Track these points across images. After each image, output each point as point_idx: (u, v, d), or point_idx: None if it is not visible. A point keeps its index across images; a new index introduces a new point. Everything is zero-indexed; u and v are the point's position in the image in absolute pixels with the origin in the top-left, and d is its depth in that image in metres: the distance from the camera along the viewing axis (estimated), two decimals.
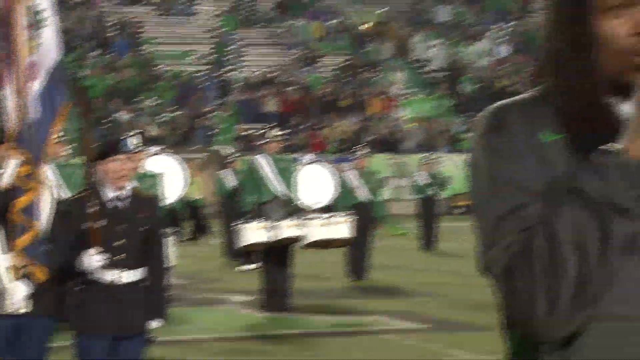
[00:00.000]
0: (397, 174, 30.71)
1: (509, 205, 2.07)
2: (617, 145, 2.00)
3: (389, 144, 31.90)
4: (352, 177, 15.84)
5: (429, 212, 20.30)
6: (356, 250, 15.15)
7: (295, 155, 23.86)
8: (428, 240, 20.14)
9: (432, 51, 36.66)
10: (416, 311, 12.38)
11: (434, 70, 36.44)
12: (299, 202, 12.71)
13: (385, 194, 27.08)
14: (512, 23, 38.19)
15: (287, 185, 12.51)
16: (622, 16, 2.09)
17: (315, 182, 13.26)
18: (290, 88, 33.48)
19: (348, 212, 13.75)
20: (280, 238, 12.26)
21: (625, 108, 2.11)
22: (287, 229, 12.30)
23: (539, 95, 2.19)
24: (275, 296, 12.43)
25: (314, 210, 13.01)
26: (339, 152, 29.71)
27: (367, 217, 15.53)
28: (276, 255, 12.45)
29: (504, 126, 2.13)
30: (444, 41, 36.95)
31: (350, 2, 39.67)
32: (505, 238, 2.05)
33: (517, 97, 2.20)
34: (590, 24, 2.11)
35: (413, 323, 11.61)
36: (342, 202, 14.75)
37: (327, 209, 13.64)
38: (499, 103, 2.19)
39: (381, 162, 28.63)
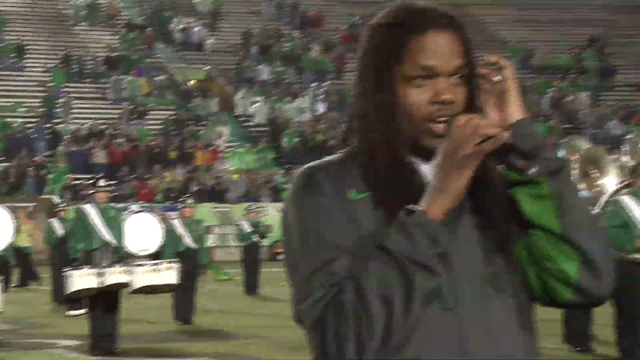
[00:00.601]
0: (222, 222, 30.64)
1: (319, 261, 2.09)
2: (419, 206, 2.06)
3: (214, 194, 31.84)
4: (178, 225, 15.72)
5: (252, 258, 20.32)
6: (182, 295, 15.01)
7: (124, 204, 23.56)
8: (251, 285, 20.11)
9: (255, 107, 36.86)
10: (240, 353, 12.31)
11: (256, 125, 36.64)
12: (126, 249, 12.59)
13: (211, 241, 27.04)
14: (327, 82, 38.81)
15: (115, 233, 12.37)
16: (423, 86, 2.14)
17: (142, 230, 13.16)
18: (119, 140, 33.11)
19: (174, 258, 13.67)
20: (108, 284, 12.07)
21: (427, 170, 2.16)
22: (115, 275, 12.13)
23: (348, 155, 2.22)
24: (102, 340, 12.20)
25: (142, 257, 12.87)
26: (166, 201, 29.48)
27: (193, 263, 15.43)
28: (104, 300, 12.24)
29: (314, 186, 2.15)
30: (266, 98, 37.22)
31: (176, 59, 39.61)
32: (317, 292, 2.06)
33: (327, 158, 2.23)
34: (393, 92, 2.15)
35: None
36: (168, 249, 14.75)
37: (154, 256, 13.55)
38: (310, 164, 2.21)
39: (207, 211, 28.59)
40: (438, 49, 2.14)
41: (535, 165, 2.08)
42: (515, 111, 2.21)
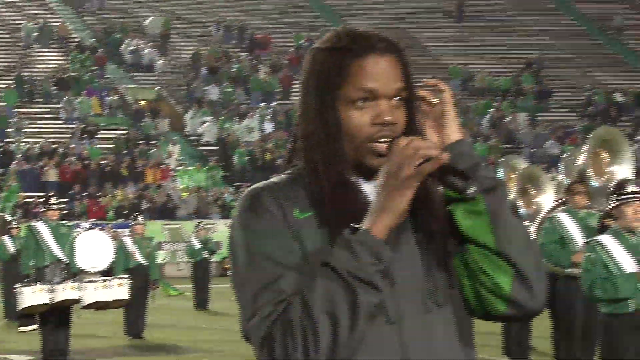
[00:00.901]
0: (172, 239, 30.46)
1: (265, 279, 2.09)
2: (362, 224, 2.08)
3: (165, 211, 31.67)
4: (129, 242, 15.61)
5: (202, 274, 20.22)
6: (133, 310, 14.88)
7: (75, 222, 23.33)
8: (201, 300, 20.00)
9: (204, 127, 36.76)
10: None
11: (206, 144, 36.52)
12: (77, 266, 12.50)
13: (161, 257, 26.84)
14: (275, 103, 38.82)
15: (66, 250, 12.28)
16: (364, 108, 2.16)
17: (93, 247, 13.07)
18: (70, 159, 32.84)
19: (125, 275, 13.57)
20: (59, 300, 11.95)
21: (369, 189, 2.18)
22: (66, 291, 12.02)
23: (292, 175, 2.23)
24: (54, 355, 12.07)
25: (93, 274, 12.76)
26: (117, 219, 29.27)
27: (144, 279, 15.31)
28: (56, 316, 12.11)
29: (259, 206, 2.16)
30: (215, 118, 37.14)
31: (127, 80, 39.40)
32: (264, 309, 2.07)
33: (272, 179, 2.24)
34: (336, 114, 2.17)
35: None
36: (119, 266, 14.67)
37: (105, 273, 13.46)
38: (255, 185, 2.22)
39: (157, 228, 28.41)
40: (379, 73, 2.17)
41: (473, 186, 2.10)
42: (453, 132, 2.25)
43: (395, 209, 2.07)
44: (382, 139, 2.15)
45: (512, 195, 11.82)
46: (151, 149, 34.82)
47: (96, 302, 12.44)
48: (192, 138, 37.05)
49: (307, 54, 2.25)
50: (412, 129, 2.19)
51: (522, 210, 11.70)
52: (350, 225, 2.07)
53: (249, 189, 2.21)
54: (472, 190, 2.10)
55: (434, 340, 2.15)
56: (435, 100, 2.27)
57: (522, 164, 13.79)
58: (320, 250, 2.11)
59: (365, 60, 2.16)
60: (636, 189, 6.88)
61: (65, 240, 12.31)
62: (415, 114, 2.22)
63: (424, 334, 2.14)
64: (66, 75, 37.56)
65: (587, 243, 7.19)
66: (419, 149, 2.06)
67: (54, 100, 36.81)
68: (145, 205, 31.17)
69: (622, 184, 7.04)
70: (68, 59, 39.03)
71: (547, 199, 11.56)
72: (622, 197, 6.86)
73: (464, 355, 2.21)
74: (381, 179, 2.09)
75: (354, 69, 2.16)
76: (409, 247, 2.17)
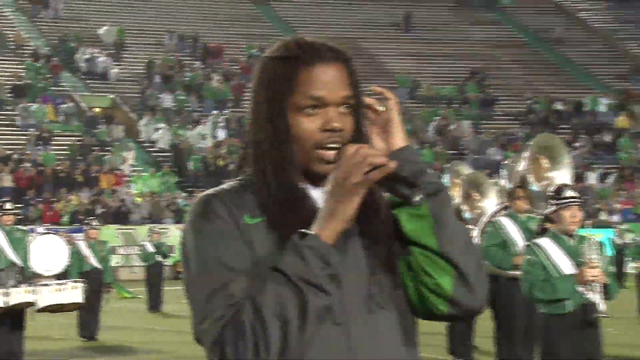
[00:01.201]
0: (126, 243, 30.28)
1: (217, 283, 2.08)
2: (311, 230, 2.08)
3: (119, 216, 31.45)
4: (84, 246, 15.50)
5: (155, 277, 20.14)
6: (87, 312, 14.79)
7: (30, 227, 23.08)
8: (154, 302, 19.89)
9: (158, 133, 36.57)
10: None
11: (160, 150, 36.34)
12: (32, 269, 12.37)
13: (115, 261, 26.62)
14: (227, 110, 38.74)
15: (20, 254, 12.15)
16: (313, 115, 2.16)
17: (48, 251, 12.94)
18: (25, 165, 32.51)
19: (80, 278, 13.49)
20: (14, 303, 11.82)
21: (317, 195, 2.19)
22: (21, 294, 11.89)
23: (243, 182, 2.23)
24: (8, 358, 11.92)
25: (47, 277, 12.64)
26: (72, 224, 29.02)
27: (98, 282, 15.22)
28: (10, 319, 11.98)
29: (210, 212, 2.15)
30: (169, 125, 36.97)
31: (82, 88, 39.10)
32: (216, 312, 2.06)
33: (223, 185, 2.23)
34: (285, 121, 2.17)
35: None
36: (74, 269, 14.62)
37: (60, 276, 13.35)
38: (206, 192, 2.21)
39: (111, 233, 28.26)
40: (326, 81, 2.17)
41: (418, 194, 2.11)
42: (399, 139, 2.27)
43: (343, 215, 2.08)
44: (331, 145, 2.16)
45: (457, 200, 11.90)
46: (105, 155, 34.59)
47: (51, 305, 12.32)
48: (146, 144, 36.84)
49: (257, 63, 2.26)
50: (359, 135, 2.20)
51: (467, 214, 11.78)
52: (299, 230, 2.08)
53: (201, 195, 2.20)
54: (417, 198, 2.11)
55: (379, 341, 2.16)
56: (382, 108, 2.28)
57: (466, 170, 13.88)
58: (270, 255, 2.11)
59: (313, 69, 2.17)
60: (573, 194, 6.96)
61: (20, 245, 12.17)
62: (362, 121, 2.23)
63: (370, 335, 2.15)
64: (21, 82, 37.20)
65: (527, 246, 7.25)
66: (367, 156, 2.07)
67: (9, 108, 36.44)
68: (99, 210, 30.95)
69: (560, 189, 7.11)
70: (23, 67, 38.65)
71: (490, 203, 11.65)
72: (560, 201, 6.93)
73: (409, 355, 2.22)
74: (329, 185, 2.10)
75: (302, 78, 2.16)
76: (355, 250, 2.18)
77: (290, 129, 2.16)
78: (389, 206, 2.21)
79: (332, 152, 2.15)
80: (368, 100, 2.27)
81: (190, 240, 2.16)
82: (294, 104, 2.16)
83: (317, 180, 2.20)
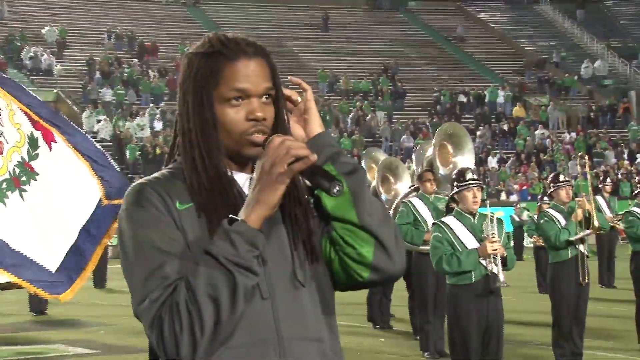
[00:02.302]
0: None
1: (153, 266, 2.06)
2: (239, 216, 2.07)
3: None
4: None
5: (101, 256, 19.85)
6: None
7: None
8: (100, 279, 19.70)
9: (100, 125, 36.08)
10: (90, 339, 12.04)
11: (101, 140, 35.85)
12: None
13: None
14: (163, 103, 38.37)
15: None
16: (238, 106, 2.15)
17: None
18: None
19: None
20: None
21: (242, 179, 2.19)
22: None
23: (173, 170, 2.20)
24: None
25: None
26: None
27: None
28: None
29: (143, 200, 2.12)
30: (109, 117, 36.50)
31: (28, 83, 38.37)
32: (153, 293, 2.04)
33: (156, 174, 2.20)
34: (212, 112, 2.15)
35: (86, 349, 11.25)
36: None
37: None
38: (139, 181, 2.18)
39: None
40: (249, 74, 2.16)
41: (336, 186, 2.10)
42: (316, 126, 2.28)
43: (268, 202, 2.07)
44: (257, 133, 2.16)
45: (373, 183, 11.98)
46: None
47: (1, 283, 12.12)
48: (88, 135, 36.21)
49: (183, 59, 2.23)
50: (279, 124, 2.20)
51: (383, 196, 11.86)
52: (230, 216, 2.07)
53: (134, 184, 2.18)
54: (336, 190, 2.10)
55: (301, 312, 2.17)
56: (299, 99, 2.30)
57: (381, 155, 13.97)
58: (200, 238, 2.10)
59: (236, 63, 2.15)
60: (474, 177, 7.05)
61: None
62: (282, 111, 2.22)
63: (294, 307, 2.16)
64: None
65: (434, 224, 7.33)
66: (291, 148, 2.06)
67: None
68: None
69: (462, 172, 7.16)
70: None
71: (403, 186, 11.74)
72: (462, 184, 7.02)
73: (328, 326, 2.23)
74: (256, 174, 2.09)
75: (227, 72, 2.15)
76: (278, 234, 2.18)
77: (216, 119, 2.14)
78: (309, 190, 2.22)
79: (260, 136, 2.15)
80: (287, 91, 2.27)
81: (126, 227, 2.13)
82: (219, 96, 2.15)
83: (245, 165, 2.20)
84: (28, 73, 39.06)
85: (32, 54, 39.44)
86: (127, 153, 34.44)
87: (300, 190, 2.21)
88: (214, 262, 2.02)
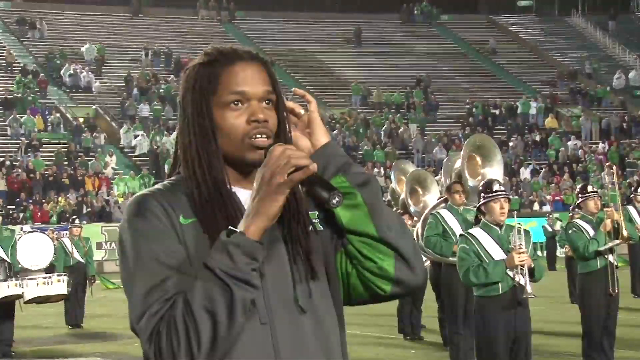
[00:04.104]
0: (110, 239, 30.05)
1: (154, 279, 1.99)
2: (238, 228, 1.98)
3: (103, 215, 31.19)
4: (68, 243, 15.34)
5: None
6: (73, 302, 14.65)
7: (21, 226, 22.82)
8: None
9: (137, 140, 36.32)
10: (124, 352, 12.02)
11: (139, 155, 36.10)
12: (20, 265, 12.28)
13: (101, 255, 26.44)
14: None
15: (9, 251, 12.02)
16: (238, 110, 2.08)
17: (34, 247, 12.84)
18: (17, 170, 32.19)
19: (65, 272, 13.39)
20: (4, 296, 11.71)
21: (245, 195, 2.08)
22: (10, 288, 11.78)
23: (175, 182, 2.12)
24: (0, 345, 11.77)
25: (35, 272, 12.53)
26: (60, 222, 28.74)
27: (82, 274, 15.12)
28: (1, 310, 11.84)
29: (146, 212, 2.04)
30: (146, 132, 36.74)
31: (67, 100, 38.77)
32: (152, 307, 1.96)
33: (158, 186, 2.12)
34: (212, 118, 2.08)
35: None
36: (60, 264, 14.52)
37: (48, 270, 13.22)
38: (141, 192, 2.11)
39: (97, 230, 28.07)
40: (247, 77, 2.09)
41: (335, 197, 1.99)
42: (322, 136, 2.19)
43: (268, 213, 1.98)
44: (259, 135, 2.07)
45: (402, 195, 11.87)
46: (90, 160, 34.29)
47: (37, 297, 12.22)
48: (126, 150, 36.57)
49: (183, 74, 2.17)
50: (282, 131, 2.12)
51: (412, 208, 11.74)
52: (229, 227, 1.98)
53: (136, 195, 2.10)
54: (335, 201, 1.99)
55: (304, 341, 2.05)
56: (302, 111, 2.21)
57: (410, 168, 13.86)
58: (201, 253, 2.01)
59: (234, 67, 2.09)
60: (501, 188, 6.95)
61: (8, 242, 12.04)
62: (284, 119, 2.14)
63: (295, 335, 2.04)
64: (11, 96, 36.84)
65: (461, 236, 7.22)
66: (291, 158, 1.97)
67: (0, 119, 36.05)
68: (85, 210, 30.70)
69: (489, 183, 7.08)
70: (13, 82, 38.26)
71: (432, 197, 11.62)
72: (489, 195, 6.92)
73: (332, 350, 2.10)
74: (256, 184, 2.00)
75: (224, 76, 2.08)
76: (277, 249, 2.07)
77: (216, 125, 2.07)
78: (309, 205, 2.11)
79: (263, 139, 2.06)
80: (289, 104, 2.19)
81: (127, 238, 2.05)
82: (219, 102, 2.08)
83: (246, 176, 2.10)
84: (68, 90, 39.47)
85: (71, 72, 39.84)
86: (164, 167, 34.59)
87: (300, 204, 2.10)
88: (211, 276, 1.94)
